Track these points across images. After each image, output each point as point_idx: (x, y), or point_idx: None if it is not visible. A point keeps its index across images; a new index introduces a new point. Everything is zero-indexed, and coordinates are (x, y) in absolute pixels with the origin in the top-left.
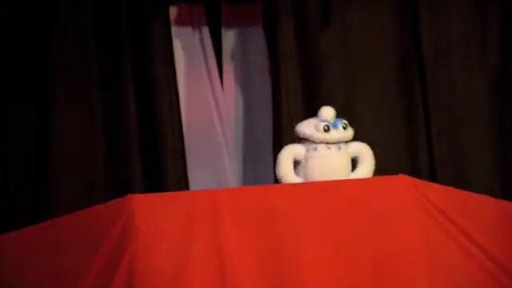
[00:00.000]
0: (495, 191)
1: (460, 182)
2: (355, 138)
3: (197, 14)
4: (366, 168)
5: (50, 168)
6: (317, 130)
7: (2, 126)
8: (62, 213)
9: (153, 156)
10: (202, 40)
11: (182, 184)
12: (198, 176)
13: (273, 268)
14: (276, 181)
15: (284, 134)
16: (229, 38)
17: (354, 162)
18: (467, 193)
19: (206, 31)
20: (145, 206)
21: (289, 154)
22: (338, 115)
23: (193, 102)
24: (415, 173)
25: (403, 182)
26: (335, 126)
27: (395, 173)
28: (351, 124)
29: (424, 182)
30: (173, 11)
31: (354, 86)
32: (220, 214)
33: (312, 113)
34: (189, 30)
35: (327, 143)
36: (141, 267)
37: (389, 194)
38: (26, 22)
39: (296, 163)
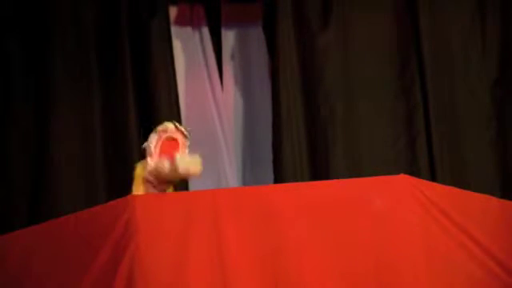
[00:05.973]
0: (495, 191)
1: (460, 181)
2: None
3: (197, 14)
4: None
5: (49, 168)
6: None
7: (2, 127)
8: (62, 213)
9: None
10: (202, 40)
11: (182, 184)
12: None
13: (273, 267)
14: (276, 181)
15: (284, 134)
16: (229, 37)
17: None
18: (467, 192)
19: (206, 31)
20: (145, 206)
21: None
22: (338, 115)
23: (193, 102)
24: (415, 173)
25: (403, 182)
26: None
27: (395, 173)
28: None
29: (424, 181)
30: (173, 11)
31: (353, 86)
32: (220, 213)
33: (312, 113)
34: (189, 29)
35: None
36: (141, 266)
37: (389, 193)
38: (26, 22)
39: None
